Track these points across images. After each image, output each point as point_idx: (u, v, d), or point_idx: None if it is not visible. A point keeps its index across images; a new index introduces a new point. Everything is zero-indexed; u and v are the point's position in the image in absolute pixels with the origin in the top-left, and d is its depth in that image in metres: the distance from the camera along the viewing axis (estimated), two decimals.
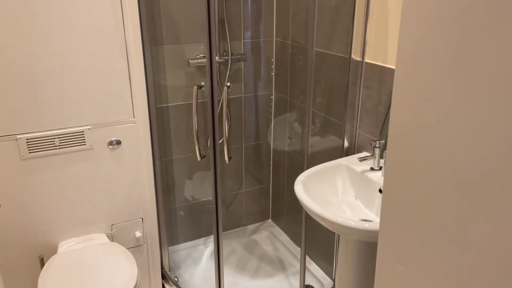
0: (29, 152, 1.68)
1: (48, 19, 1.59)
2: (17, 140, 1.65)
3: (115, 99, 1.79)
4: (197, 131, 1.91)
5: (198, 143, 1.90)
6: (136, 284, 1.61)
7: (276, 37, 2.36)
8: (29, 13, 1.55)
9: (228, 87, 2.07)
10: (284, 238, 2.61)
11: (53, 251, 1.83)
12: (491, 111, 0.59)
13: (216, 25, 2.18)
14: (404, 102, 0.76)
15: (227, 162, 1.72)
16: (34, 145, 1.68)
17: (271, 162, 2.62)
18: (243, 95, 2.39)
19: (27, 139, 1.66)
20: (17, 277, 1.81)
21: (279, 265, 2.38)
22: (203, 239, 2.54)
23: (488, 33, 0.58)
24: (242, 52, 2.31)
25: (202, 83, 1.94)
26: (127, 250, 1.78)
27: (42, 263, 1.79)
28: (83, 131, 1.76)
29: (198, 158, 1.91)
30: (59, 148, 1.73)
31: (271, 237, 2.64)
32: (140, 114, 1.85)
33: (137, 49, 1.77)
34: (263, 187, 2.66)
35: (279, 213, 2.68)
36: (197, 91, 1.88)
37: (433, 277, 0.75)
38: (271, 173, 2.65)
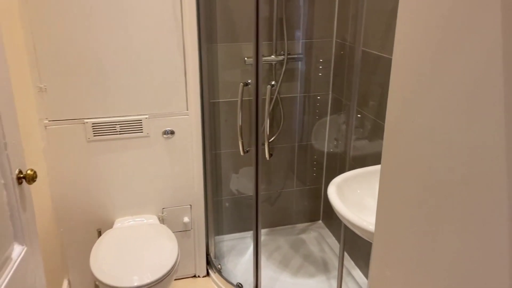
0: (94, 135, 1.89)
1: (118, 18, 1.77)
2: (84, 124, 1.87)
3: (171, 92, 1.94)
4: (241, 127, 1.99)
5: (242, 139, 1.98)
6: (175, 263, 1.73)
7: (336, 38, 2.35)
8: (101, 13, 1.75)
9: (272, 85, 2.11)
10: (332, 241, 2.59)
11: (110, 226, 2.04)
12: (483, 111, 0.58)
13: (275, 25, 2.24)
14: (398, 99, 0.76)
15: (268, 158, 1.77)
16: (98, 129, 1.89)
17: (324, 163, 2.61)
18: (298, 95, 2.42)
19: (92, 124, 1.88)
20: (77, 245, 2.05)
21: (323, 267, 2.37)
22: (250, 232, 2.62)
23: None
24: (300, 52, 2.34)
25: (249, 81, 2.01)
26: (172, 233, 1.92)
27: (99, 235, 2.00)
28: (141, 120, 1.93)
29: (241, 153, 1.99)
30: (119, 134, 1.92)
31: (319, 238, 2.63)
32: (193, 107, 1.98)
33: (193, 47, 1.89)
34: (315, 187, 2.67)
35: (330, 215, 2.66)
36: (243, 88, 1.96)
37: (415, 284, 0.74)
38: (324, 174, 2.64)
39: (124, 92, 1.89)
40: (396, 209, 0.79)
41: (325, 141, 2.55)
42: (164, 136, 2.00)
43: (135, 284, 1.60)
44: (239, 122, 1.98)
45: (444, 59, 0.62)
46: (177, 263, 1.78)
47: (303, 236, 2.66)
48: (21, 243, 0.97)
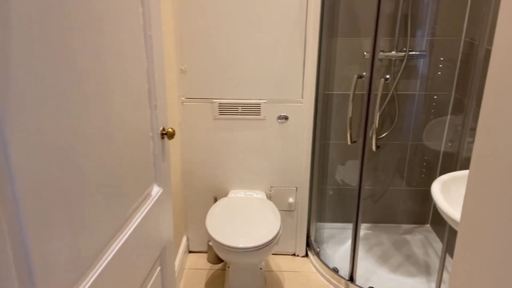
0: (219, 114, 2.17)
1: (251, 13, 2.00)
2: (212, 103, 2.15)
3: (289, 80, 2.11)
4: (351, 118, 2.06)
5: (350, 129, 2.05)
6: (276, 235, 1.91)
7: (465, 37, 2.26)
8: (236, 7, 2.00)
9: (386, 79, 2.13)
10: (439, 245, 2.50)
11: (225, 195, 2.31)
12: None
13: (399, 21, 2.24)
14: (491, 96, 0.79)
15: (374, 149, 1.83)
16: (223, 109, 2.16)
17: (438, 165, 2.53)
18: (417, 93, 2.39)
19: (219, 104, 2.15)
20: (196, 207, 2.36)
21: (424, 269, 2.32)
22: (351, 224, 2.67)
23: None
24: (423, 49, 2.31)
25: (364, 73, 2.06)
26: (277, 209, 2.10)
27: (215, 201, 2.29)
28: (260, 104, 2.15)
29: (348, 142, 2.07)
30: (240, 115, 2.17)
31: (425, 241, 2.57)
32: (307, 97, 2.12)
33: (314, 40, 2.03)
34: (425, 189, 2.60)
35: (440, 220, 2.56)
36: (356, 80, 2.02)
37: (490, 263, 0.78)
38: (437, 177, 2.55)
39: (248, 78, 2.12)
40: (482, 197, 0.82)
41: (442, 142, 2.47)
42: (279, 120, 2.18)
43: (241, 245, 1.81)
44: (350, 114, 2.06)
45: None
46: (279, 235, 1.95)
47: (408, 236, 2.62)
48: (159, 185, 1.23)
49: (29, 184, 0.64)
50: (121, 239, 1.00)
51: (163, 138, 1.21)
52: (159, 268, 1.26)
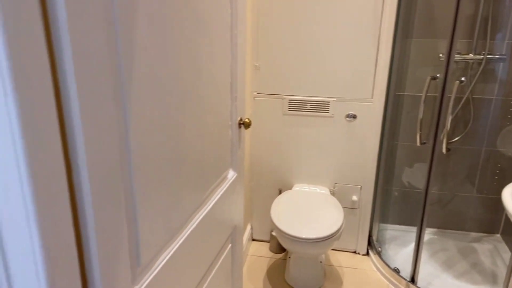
0: (288, 110, 2.26)
1: (325, 14, 2.07)
2: (282, 99, 2.25)
3: (359, 80, 2.15)
4: (422, 120, 2.05)
5: (420, 131, 2.04)
6: (338, 229, 1.96)
7: None
8: (312, 8, 2.08)
9: (461, 81, 2.08)
10: (508, 256, 2.41)
11: (289, 188, 2.40)
12: None
13: (478, 23, 2.19)
14: None
15: (444, 152, 1.81)
16: (292, 105, 2.25)
17: None
18: (494, 97, 2.31)
19: (289, 100, 2.24)
20: (261, 198, 2.48)
21: (491, 279, 2.25)
22: (415, 228, 2.64)
23: None
24: (503, 52, 2.23)
25: (438, 75, 2.04)
26: (340, 205, 2.15)
27: (279, 193, 2.39)
28: (329, 102, 2.21)
29: (418, 143, 2.06)
30: (309, 111, 2.24)
31: (493, 251, 2.47)
32: (377, 97, 2.15)
33: (388, 41, 2.05)
34: (498, 198, 2.50)
35: (511, 230, 2.46)
36: (430, 81, 2.01)
37: None
38: None
39: (319, 76, 2.19)
40: None
41: None
42: (347, 119, 2.23)
43: (303, 236, 1.90)
44: (420, 115, 2.06)
45: None
46: (341, 230, 2.00)
47: (475, 245, 2.54)
48: (234, 170, 1.35)
49: (140, 161, 0.78)
50: (202, 213, 1.13)
51: (240, 127, 1.34)
52: (230, 245, 1.39)
